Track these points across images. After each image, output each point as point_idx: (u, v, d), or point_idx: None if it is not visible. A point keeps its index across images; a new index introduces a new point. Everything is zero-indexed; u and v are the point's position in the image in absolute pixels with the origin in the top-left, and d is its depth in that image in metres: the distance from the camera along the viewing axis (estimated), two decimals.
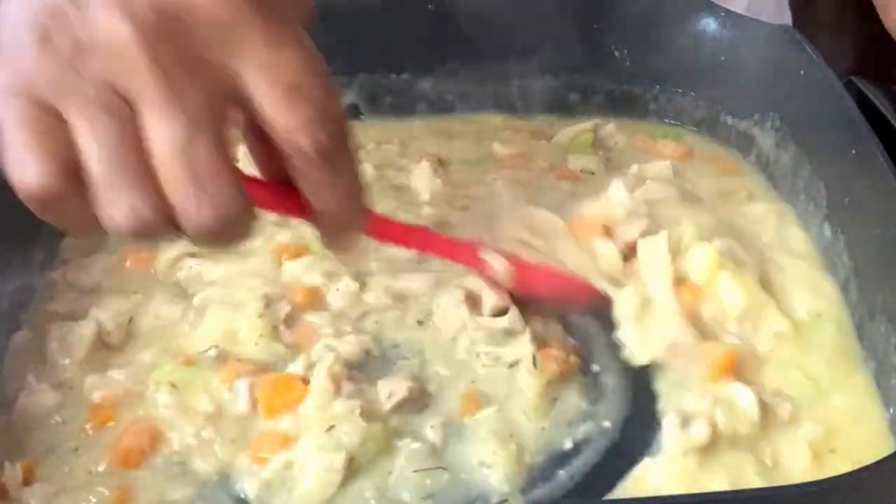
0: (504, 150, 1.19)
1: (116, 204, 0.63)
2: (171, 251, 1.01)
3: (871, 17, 1.21)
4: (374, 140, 1.20)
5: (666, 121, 1.26)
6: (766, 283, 0.97)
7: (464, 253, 0.95)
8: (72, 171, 0.63)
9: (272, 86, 0.66)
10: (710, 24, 1.21)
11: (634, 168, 1.14)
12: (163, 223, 0.64)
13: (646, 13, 1.22)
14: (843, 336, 0.94)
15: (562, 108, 1.26)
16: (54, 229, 0.93)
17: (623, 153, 1.21)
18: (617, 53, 1.24)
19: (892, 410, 0.86)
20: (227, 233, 0.66)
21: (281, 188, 0.73)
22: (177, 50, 0.63)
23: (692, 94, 1.24)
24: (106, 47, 0.62)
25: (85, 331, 0.92)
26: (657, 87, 1.25)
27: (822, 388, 0.89)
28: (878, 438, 0.85)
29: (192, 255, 1.00)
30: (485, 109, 1.26)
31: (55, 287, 1.00)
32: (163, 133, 0.62)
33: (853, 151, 0.97)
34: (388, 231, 0.90)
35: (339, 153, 0.70)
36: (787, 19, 1.43)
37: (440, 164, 1.14)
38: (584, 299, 0.96)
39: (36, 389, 0.88)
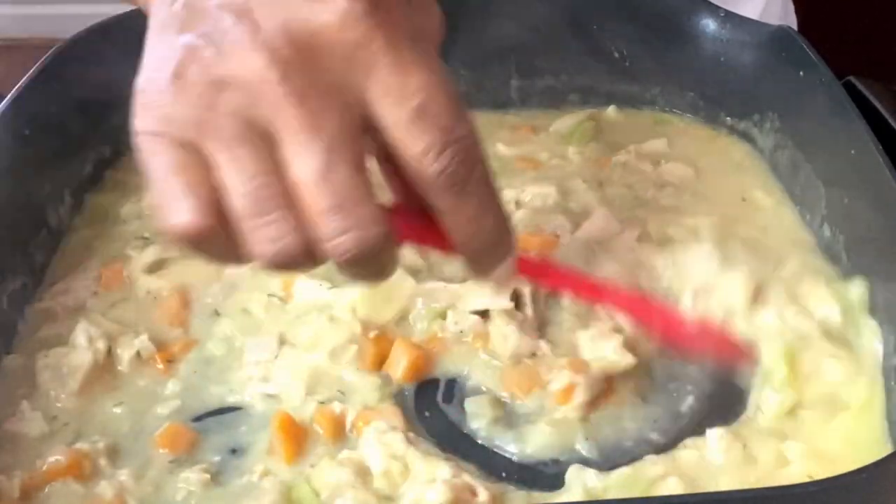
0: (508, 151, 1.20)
1: (261, 237, 0.63)
2: (142, 259, 1.02)
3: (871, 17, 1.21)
4: None
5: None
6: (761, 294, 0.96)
7: (630, 303, 0.89)
8: (219, 210, 0.63)
9: (399, 110, 0.64)
10: (709, 25, 1.21)
11: (631, 148, 1.17)
12: (305, 253, 0.64)
13: (646, 13, 1.22)
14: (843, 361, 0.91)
15: (561, 107, 1.26)
16: (39, 254, 0.96)
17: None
18: (616, 54, 1.24)
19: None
20: (369, 261, 0.65)
21: (421, 218, 0.71)
22: (310, 77, 0.63)
23: (692, 94, 1.24)
24: (241, 81, 0.62)
25: (78, 361, 0.91)
26: (657, 87, 1.25)
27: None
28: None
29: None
30: (484, 108, 1.26)
31: (45, 312, 0.98)
32: (303, 161, 0.62)
33: (852, 152, 0.97)
34: (540, 270, 0.88)
35: (469, 179, 0.68)
36: (793, 22, 1.43)
37: None
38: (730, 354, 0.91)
39: (29, 417, 0.87)
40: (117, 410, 0.89)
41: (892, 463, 0.73)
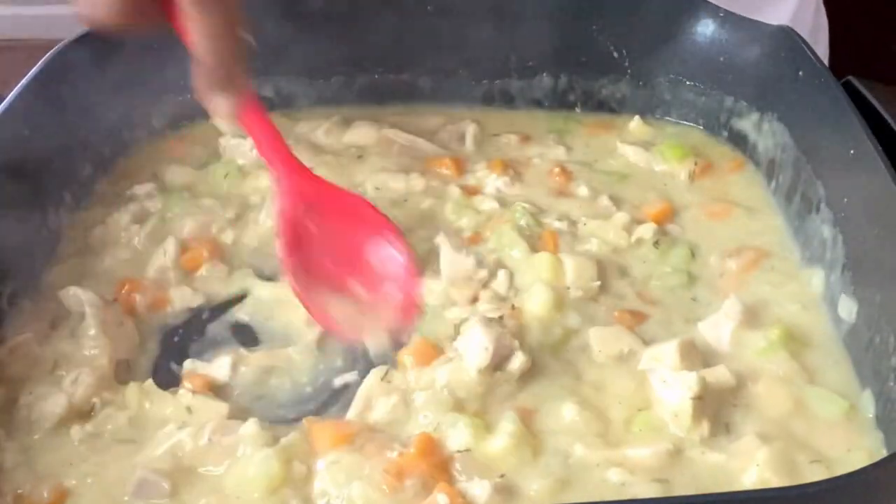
0: None
1: None
2: None
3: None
4: None
5: (667, 118, 1.26)
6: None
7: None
8: None
9: None
10: (709, 25, 1.21)
11: None
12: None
13: (646, 14, 1.22)
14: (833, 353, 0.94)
15: (561, 107, 1.27)
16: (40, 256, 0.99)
17: None
18: (616, 54, 1.24)
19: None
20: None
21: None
22: None
23: (692, 94, 1.24)
24: None
25: (53, 407, 0.88)
26: (657, 87, 1.25)
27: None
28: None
29: None
30: (481, 109, 1.26)
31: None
32: None
33: (851, 151, 0.97)
34: (256, 123, 0.91)
35: None
36: (823, 29, 1.44)
37: None
38: None
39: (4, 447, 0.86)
40: None
41: (892, 463, 0.73)
